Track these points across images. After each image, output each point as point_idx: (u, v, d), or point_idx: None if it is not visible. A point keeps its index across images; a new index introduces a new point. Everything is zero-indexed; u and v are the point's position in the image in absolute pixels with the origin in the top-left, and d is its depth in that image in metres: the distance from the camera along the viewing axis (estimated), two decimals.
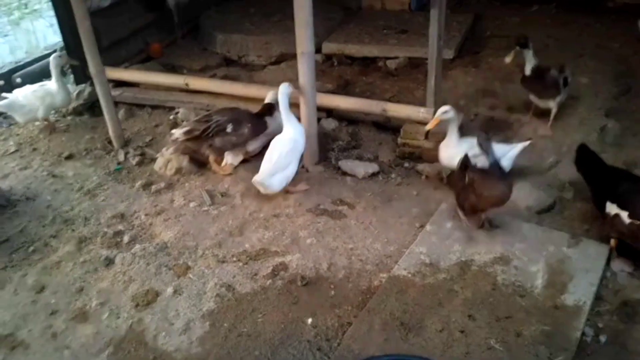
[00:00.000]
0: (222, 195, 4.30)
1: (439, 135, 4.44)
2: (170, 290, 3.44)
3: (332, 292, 3.36)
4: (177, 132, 4.41)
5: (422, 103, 4.61)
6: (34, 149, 5.14)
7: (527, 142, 4.14)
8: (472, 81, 5.62)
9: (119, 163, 4.82)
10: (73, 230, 4.06)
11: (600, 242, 3.54)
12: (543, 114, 4.89)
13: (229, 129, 4.34)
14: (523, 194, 3.94)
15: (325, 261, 3.59)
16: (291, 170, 4.09)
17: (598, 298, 3.21)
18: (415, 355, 2.55)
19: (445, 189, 4.19)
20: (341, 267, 3.54)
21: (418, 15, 7.04)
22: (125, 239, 3.91)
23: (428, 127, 4.13)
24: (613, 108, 5.08)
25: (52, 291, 3.53)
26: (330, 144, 4.82)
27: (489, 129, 4.86)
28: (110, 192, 4.47)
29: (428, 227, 3.72)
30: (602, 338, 2.99)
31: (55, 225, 4.14)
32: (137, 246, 3.82)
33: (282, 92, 4.10)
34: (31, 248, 3.92)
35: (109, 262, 3.72)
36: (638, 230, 3.23)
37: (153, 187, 4.43)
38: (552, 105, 4.73)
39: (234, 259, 3.67)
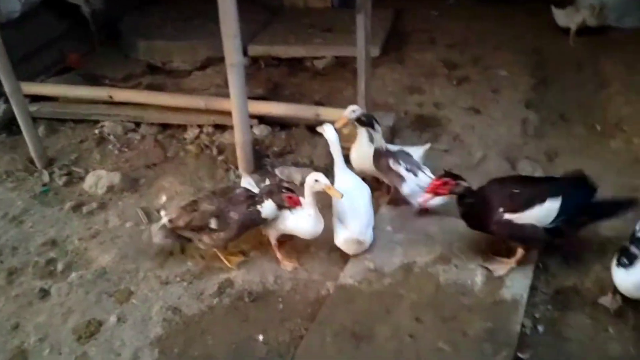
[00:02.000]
0: (158, 212, 4.19)
1: None
2: (113, 318, 3.34)
3: (281, 306, 3.37)
4: (164, 218, 3.62)
5: (353, 103, 4.64)
6: None
7: (427, 146, 4.18)
8: (399, 78, 5.75)
9: (44, 185, 4.60)
10: (1, 262, 3.85)
11: None
12: (478, 111, 5.07)
13: (213, 224, 3.47)
14: None
15: (271, 274, 3.58)
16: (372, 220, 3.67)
17: (533, 289, 3.37)
18: None
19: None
20: (287, 279, 3.55)
21: (341, 12, 7.11)
22: (60, 267, 3.74)
23: (337, 125, 4.01)
24: (532, 99, 5.34)
25: None
26: (264, 151, 4.80)
27: (419, 127, 5.00)
28: (37, 217, 4.26)
29: None
30: (540, 328, 3.16)
31: None
32: (74, 274, 3.67)
33: (331, 139, 3.76)
34: None
35: (44, 293, 3.56)
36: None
37: (84, 208, 4.27)
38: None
39: (178, 279, 3.60)
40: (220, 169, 4.67)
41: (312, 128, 4.95)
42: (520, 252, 3.38)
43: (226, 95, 4.33)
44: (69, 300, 3.49)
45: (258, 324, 3.27)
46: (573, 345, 3.03)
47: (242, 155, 4.53)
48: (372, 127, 3.86)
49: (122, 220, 4.13)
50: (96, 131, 5.20)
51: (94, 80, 5.94)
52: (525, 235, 3.30)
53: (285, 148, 4.85)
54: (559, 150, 4.63)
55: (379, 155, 3.91)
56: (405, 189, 3.81)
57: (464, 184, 3.31)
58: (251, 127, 4.72)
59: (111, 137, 5.13)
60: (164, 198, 4.33)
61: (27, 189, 4.54)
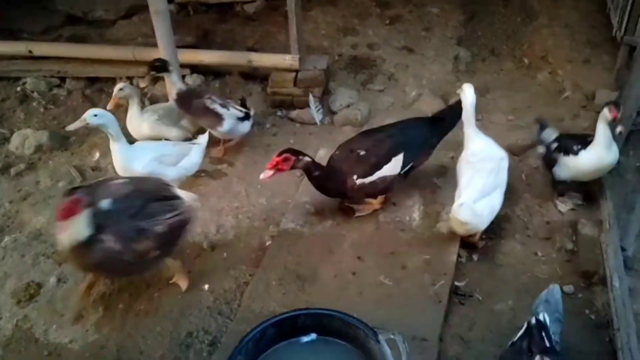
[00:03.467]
0: (93, 170, 4.08)
1: (307, 81, 4.50)
2: (53, 280, 3.28)
3: (225, 255, 3.38)
4: None
5: (286, 48, 4.60)
6: None
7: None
8: (332, 20, 5.68)
9: None
10: None
11: None
12: (412, 50, 5.07)
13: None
14: None
15: (213, 224, 3.57)
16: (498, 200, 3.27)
17: None
18: (312, 308, 2.66)
19: (321, 135, 4.29)
20: (230, 228, 3.56)
21: None
22: None
23: (109, 107, 3.84)
24: (462, 36, 5.40)
25: None
26: None
27: (354, 68, 4.99)
28: None
29: None
30: (475, 257, 3.31)
31: None
32: (7, 238, 3.56)
33: (468, 101, 3.34)
34: None
35: None
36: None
37: (12, 170, 4.10)
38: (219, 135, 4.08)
39: None
40: None
41: (245, 75, 4.88)
42: (380, 197, 3.51)
43: (155, 45, 4.18)
44: (5, 265, 3.39)
45: (203, 274, 3.28)
46: (506, 270, 3.20)
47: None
48: (167, 70, 3.88)
49: (54, 180, 4.00)
50: (18, 88, 4.95)
51: (10, 35, 5.57)
52: (380, 189, 3.42)
53: (220, 97, 4.75)
54: (490, 85, 4.75)
55: (188, 97, 3.92)
56: (225, 126, 3.92)
57: (306, 159, 3.25)
58: (183, 77, 4.60)
59: (35, 94, 4.88)
60: (97, 155, 4.21)
61: None
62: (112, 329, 2.99)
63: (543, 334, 2.32)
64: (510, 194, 3.67)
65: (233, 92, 4.79)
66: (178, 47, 4.31)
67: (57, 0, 6.04)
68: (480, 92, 4.59)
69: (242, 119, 4.04)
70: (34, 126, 4.49)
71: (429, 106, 4.49)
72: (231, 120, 3.95)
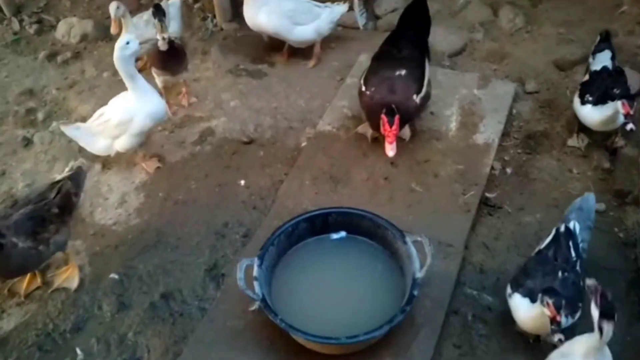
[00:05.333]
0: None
1: None
2: (98, 166, 3.43)
3: (261, 153, 3.47)
4: None
5: None
6: None
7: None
8: None
9: (15, 33, 4.47)
10: None
11: (507, 81, 3.78)
12: None
13: None
14: (436, 39, 4.02)
15: (251, 123, 3.64)
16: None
17: (505, 134, 3.48)
18: (344, 207, 2.75)
19: (363, 39, 4.21)
20: (267, 127, 3.62)
21: None
22: (40, 116, 3.77)
23: (112, 31, 3.80)
24: None
25: None
26: None
27: None
28: (12, 66, 4.20)
29: (348, 80, 3.79)
30: (509, 170, 3.31)
31: None
32: (54, 123, 3.70)
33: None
34: None
35: (27, 142, 3.62)
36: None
37: (59, 58, 4.20)
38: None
39: (159, 128, 3.64)
40: (197, 17, 4.56)
41: None
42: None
43: None
44: (53, 149, 3.56)
45: (240, 170, 3.38)
46: (538, 185, 3.21)
47: (218, 2, 4.38)
48: (164, 15, 3.42)
49: (99, 70, 4.09)
50: None
51: None
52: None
53: None
54: None
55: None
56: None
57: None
58: None
59: None
60: None
61: None
62: (152, 214, 3.16)
63: (570, 243, 2.36)
64: (552, 110, 3.62)
65: None
66: None
67: None
68: (532, 2, 4.44)
69: None
70: (79, 15, 4.53)
71: (477, 15, 4.35)
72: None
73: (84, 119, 3.70)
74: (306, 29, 3.89)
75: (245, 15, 3.93)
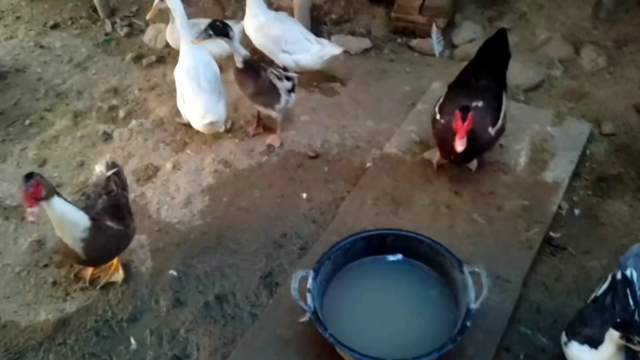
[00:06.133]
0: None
1: (433, 10, 4.39)
2: (169, 165, 3.57)
3: (326, 169, 3.52)
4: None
5: None
6: (17, 17, 4.98)
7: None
8: None
9: (106, 34, 4.73)
10: (67, 104, 4.09)
11: (583, 121, 3.69)
12: None
13: None
14: (513, 72, 3.96)
15: (319, 138, 3.70)
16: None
17: (576, 174, 3.40)
18: (403, 230, 2.75)
19: (438, 67, 4.23)
20: (334, 144, 3.67)
21: None
22: (121, 114, 3.95)
23: (148, 16, 3.90)
24: None
25: (53, 165, 3.63)
26: (322, 17, 4.74)
27: (484, 3, 4.78)
28: (100, 65, 4.43)
29: (419, 105, 3.80)
30: (577, 211, 3.23)
31: (48, 98, 4.15)
32: (134, 121, 3.88)
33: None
34: (27, 122, 3.96)
35: (107, 137, 3.80)
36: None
37: (144, 61, 4.40)
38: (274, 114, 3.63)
39: (230, 135, 3.76)
40: None
41: None
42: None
43: None
44: (130, 145, 3.73)
45: (303, 183, 3.44)
46: (606, 229, 3.10)
47: (299, 19, 4.48)
48: (227, 36, 3.27)
49: None
50: None
51: None
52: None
53: (344, 16, 4.77)
54: (629, 37, 4.40)
55: (254, 68, 3.40)
56: (282, 102, 3.50)
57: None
58: None
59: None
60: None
61: (90, 36, 4.68)
62: (214, 217, 3.25)
63: (628, 291, 2.27)
64: (628, 154, 3.51)
65: (357, 13, 4.77)
66: None
67: None
68: (617, 44, 4.33)
69: (290, 91, 3.55)
70: (167, 22, 4.72)
71: (557, 52, 4.28)
72: (285, 95, 3.50)
73: (160, 120, 3.88)
74: (290, 58, 3.91)
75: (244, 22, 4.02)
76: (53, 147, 3.76)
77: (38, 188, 2.38)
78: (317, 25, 4.65)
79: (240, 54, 3.32)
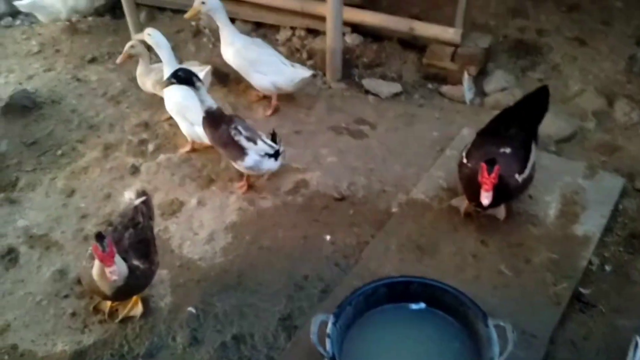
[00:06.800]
0: (245, 108, 4.34)
1: (465, 57, 4.41)
2: (194, 201, 3.58)
3: (351, 212, 3.48)
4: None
5: (450, 21, 4.50)
6: (57, 50, 5.15)
7: (208, 68, 4.22)
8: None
9: None
10: (99, 136, 4.16)
11: (616, 175, 3.61)
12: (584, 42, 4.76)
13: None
14: (544, 122, 3.90)
15: (345, 180, 3.68)
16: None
17: (607, 229, 3.30)
18: (427, 278, 2.69)
19: (468, 114, 4.21)
20: (361, 187, 3.64)
21: None
22: (150, 147, 4.00)
23: (118, 61, 4.20)
24: None
25: (81, 195, 3.68)
26: (354, 60, 4.79)
27: (517, 53, 4.78)
28: (133, 99, 4.52)
29: (448, 151, 3.77)
30: (608, 267, 3.12)
31: (81, 130, 4.24)
32: (162, 156, 3.92)
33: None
34: (59, 152, 4.04)
35: (135, 170, 3.84)
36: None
37: None
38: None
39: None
40: None
41: (404, 42, 4.86)
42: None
43: (323, 0, 4.31)
44: (156, 179, 3.75)
45: (327, 225, 3.41)
46: (638, 288, 2.99)
47: (331, 62, 4.56)
48: (192, 84, 3.23)
49: None
50: (192, 23, 5.33)
51: None
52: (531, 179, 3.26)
53: (375, 60, 4.80)
54: None
55: (216, 120, 3.36)
56: (248, 161, 3.41)
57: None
58: (344, 34, 4.70)
59: (206, 31, 5.26)
60: (250, 96, 4.46)
61: (125, 71, 4.78)
62: (237, 255, 3.23)
63: None
64: None
65: (389, 57, 4.80)
66: (345, 4, 4.41)
67: None
68: None
69: (271, 156, 3.47)
70: (201, 60, 4.84)
71: (590, 104, 4.23)
72: (256, 156, 3.40)
73: (188, 156, 3.92)
74: (264, 78, 4.13)
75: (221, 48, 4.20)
76: (82, 177, 3.81)
77: (112, 247, 2.46)
78: (349, 67, 4.69)
79: (205, 104, 3.30)
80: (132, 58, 4.19)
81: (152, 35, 3.89)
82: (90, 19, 5.60)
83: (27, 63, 5.03)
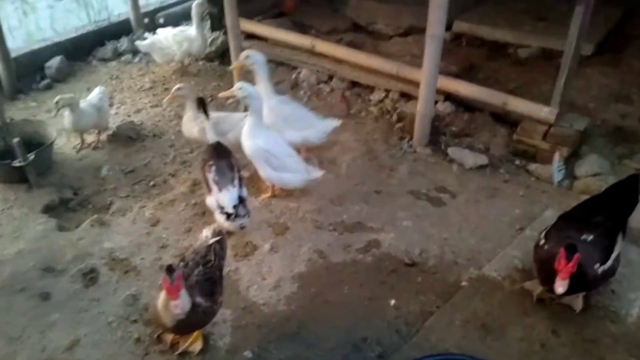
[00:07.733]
0: (329, 163, 4.43)
1: (558, 138, 4.30)
2: (267, 246, 3.66)
3: (419, 279, 3.43)
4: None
5: (546, 99, 4.44)
6: (166, 89, 5.52)
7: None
8: (608, 83, 5.29)
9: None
10: (189, 172, 4.39)
11: None
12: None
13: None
14: (636, 215, 3.73)
15: (418, 246, 3.65)
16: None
17: None
18: None
19: (554, 196, 4.08)
20: (432, 255, 3.59)
21: (560, 1, 6.64)
22: None
23: (165, 100, 4.57)
24: None
25: (164, 226, 3.87)
26: (443, 128, 4.80)
27: (615, 139, 4.61)
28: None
29: (528, 231, 3.66)
30: None
31: (175, 164, 4.50)
32: None
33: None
34: (152, 182, 4.30)
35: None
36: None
37: None
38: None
39: (331, 227, 3.82)
40: (395, 136, 4.79)
41: (496, 116, 4.83)
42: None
43: (420, 66, 4.39)
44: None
45: (394, 289, 3.38)
46: None
47: (419, 127, 4.59)
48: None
49: None
50: (292, 76, 5.58)
51: (301, 28, 6.32)
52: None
53: (464, 130, 4.79)
54: None
55: (216, 150, 3.82)
56: (208, 199, 3.68)
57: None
58: (436, 102, 4.73)
59: (304, 84, 5.48)
60: (336, 150, 4.56)
61: (226, 110, 5.02)
62: (299, 306, 3.26)
63: None
64: None
65: (478, 129, 4.78)
66: (440, 73, 4.46)
67: (348, 8, 6.66)
68: None
69: (225, 213, 3.56)
70: None
71: None
72: (214, 204, 3.61)
73: (269, 202, 4.03)
74: (299, 134, 4.18)
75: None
76: (168, 209, 4.01)
77: (180, 281, 2.57)
78: (437, 134, 4.70)
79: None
80: (178, 100, 4.38)
81: (251, 56, 4.11)
82: (200, 62, 6.01)
83: (138, 97, 5.44)
